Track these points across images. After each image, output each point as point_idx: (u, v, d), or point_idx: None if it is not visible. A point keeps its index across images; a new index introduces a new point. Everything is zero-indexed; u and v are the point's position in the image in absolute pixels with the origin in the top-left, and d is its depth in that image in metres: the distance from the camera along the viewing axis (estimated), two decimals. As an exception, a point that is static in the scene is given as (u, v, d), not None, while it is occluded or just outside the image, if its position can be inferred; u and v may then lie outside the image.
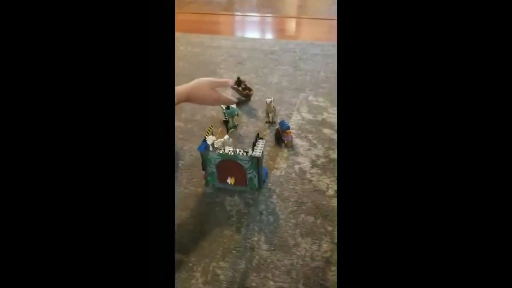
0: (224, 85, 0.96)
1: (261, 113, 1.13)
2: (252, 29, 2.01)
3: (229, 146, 0.79)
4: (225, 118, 1.02)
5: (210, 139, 0.76)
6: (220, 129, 0.85)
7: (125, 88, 0.37)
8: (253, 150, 0.78)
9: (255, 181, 0.82)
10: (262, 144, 0.80)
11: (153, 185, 0.37)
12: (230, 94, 1.22)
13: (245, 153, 0.78)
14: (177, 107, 1.14)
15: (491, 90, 0.34)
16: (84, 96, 0.37)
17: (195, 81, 0.92)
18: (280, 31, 1.94)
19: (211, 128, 0.82)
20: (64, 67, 0.36)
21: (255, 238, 0.73)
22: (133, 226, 0.36)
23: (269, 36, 1.91)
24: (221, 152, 0.78)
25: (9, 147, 0.35)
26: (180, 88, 0.90)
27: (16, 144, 0.35)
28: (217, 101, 0.94)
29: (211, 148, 0.79)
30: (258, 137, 0.81)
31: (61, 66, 0.36)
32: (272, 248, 0.71)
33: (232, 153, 0.78)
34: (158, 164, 0.38)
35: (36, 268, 0.35)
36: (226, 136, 0.78)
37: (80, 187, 0.36)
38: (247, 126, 1.07)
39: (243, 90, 1.17)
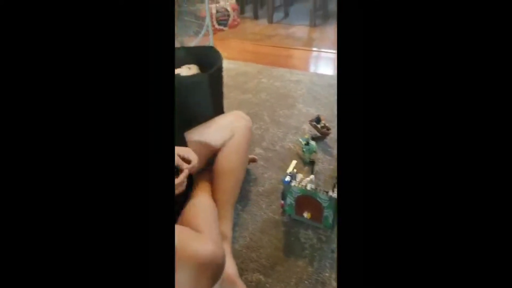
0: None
1: (336, 151, 1.19)
2: (328, 65, 2.10)
3: (311, 183, 0.87)
4: (311, 159, 1.11)
5: (298, 177, 0.85)
6: (306, 168, 0.94)
7: (128, 105, 0.38)
8: (333, 191, 0.85)
9: (330, 220, 0.88)
10: (342, 187, 0.86)
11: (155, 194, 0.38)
12: (307, 129, 1.31)
13: (325, 193, 0.85)
14: (257, 135, 1.26)
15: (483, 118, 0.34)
16: (84, 100, 0.37)
17: None
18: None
19: (295, 165, 0.90)
20: (71, 69, 0.37)
21: (327, 274, 0.79)
22: (135, 235, 0.37)
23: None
24: (303, 187, 0.86)
25: (10, 148, 0.36)
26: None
27: (17, 147, 0.36)
28: None
29: (293, 183, 0.87)
30: (338, 179, 0.88)
31: (67, 70, 0.37)
32: (342, 287, 0.76)
33: (314, 190, 0.86)
34: (159, 173, 0.38)
35: (43, 269, 0.36)
36: (312, 176, 0.86)
37: (82, 190, 0.37)
38: (323, 163, 1.15)
39: (322, 128, 1.25)
